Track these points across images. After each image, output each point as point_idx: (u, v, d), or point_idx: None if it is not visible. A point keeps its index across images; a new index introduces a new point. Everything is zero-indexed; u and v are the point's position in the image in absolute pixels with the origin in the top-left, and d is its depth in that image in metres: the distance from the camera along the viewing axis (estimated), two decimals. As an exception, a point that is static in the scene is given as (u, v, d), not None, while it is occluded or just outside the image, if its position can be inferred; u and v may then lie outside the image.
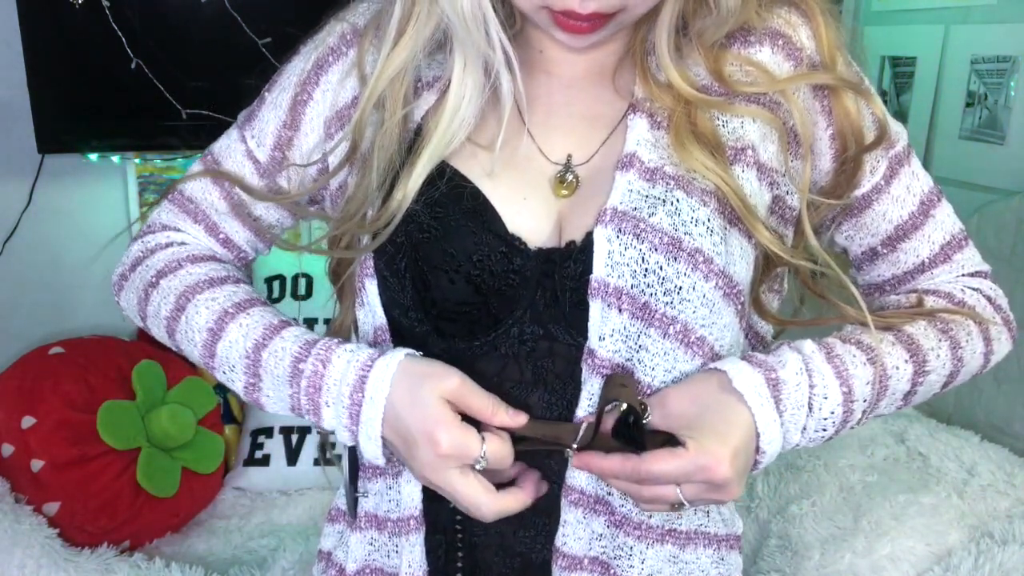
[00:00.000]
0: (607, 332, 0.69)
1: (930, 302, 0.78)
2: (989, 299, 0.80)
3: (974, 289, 0.80)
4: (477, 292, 0.71)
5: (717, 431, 0.65)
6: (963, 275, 0.82)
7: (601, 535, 0.73)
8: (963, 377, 0.79)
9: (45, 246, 1.94)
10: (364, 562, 0.80)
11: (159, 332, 0.82)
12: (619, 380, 0.68)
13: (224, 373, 0.77)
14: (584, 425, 0.68)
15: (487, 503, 0.68)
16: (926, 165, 0.81)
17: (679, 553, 0.75)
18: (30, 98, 1.69)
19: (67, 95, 1.74)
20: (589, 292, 0.69)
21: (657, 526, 0.74)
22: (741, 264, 0.71)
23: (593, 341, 0.69)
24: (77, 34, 1.69)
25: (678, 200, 0.69)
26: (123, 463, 1.56)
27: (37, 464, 1.49)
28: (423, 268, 0.72)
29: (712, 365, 0.69)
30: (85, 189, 1.94)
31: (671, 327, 0.68)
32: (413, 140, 0.75)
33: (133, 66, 1.72)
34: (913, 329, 0.75)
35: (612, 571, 0.73)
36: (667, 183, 0.70)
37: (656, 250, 0.68)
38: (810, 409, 0.69)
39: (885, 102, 0.80)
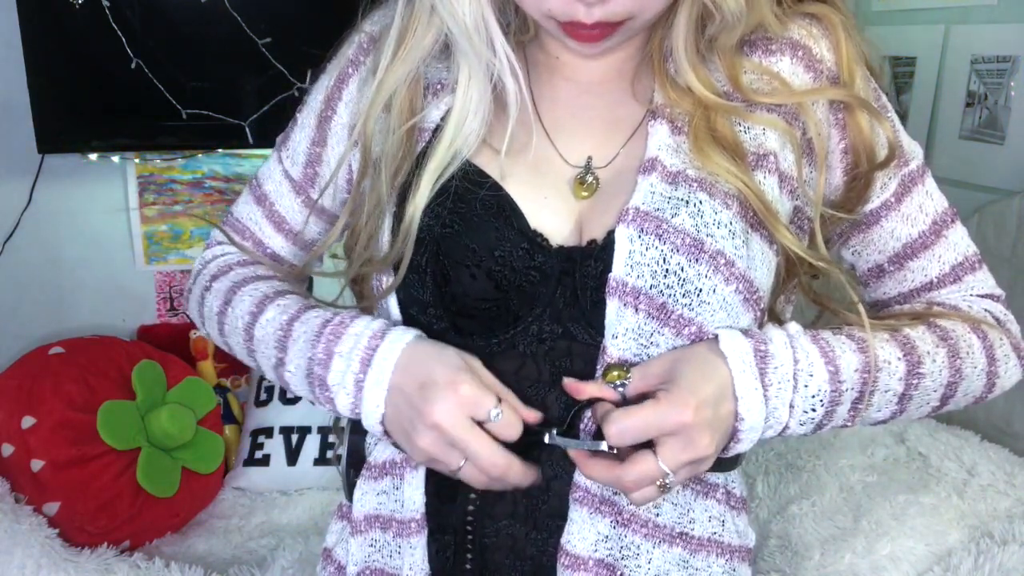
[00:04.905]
0: (621, 331, 0.69)
1: (937, 311, 0.77)
2: (998, 320, 0.79)
3: (984, 309, 0.79)
4: (497, 288, 0.71)
5: (687, 381, 0.65)
6: (972, 295, 0.81)
7: (607, 537, 0.73)
8: (963, 394, 0.77)
9: (45, 246, 1.94)
10: (364, 564, 0.80)
11: (214, 332, 0.85)
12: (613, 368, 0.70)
13: (260, 352, 0.79)
14: (555, 431, 0.69)
15: (500, 459, 0.67)
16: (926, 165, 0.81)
17: (689, 558, 0.75)
18: (30, 98, 1.69)
19: (67, 95, 1.74)
20: (607, 290, 0.69)
21: (666, 526, 0.74)
22: (762, 269, 0.71)
23: (608, 339, 0.69)
24: (77, 34, 1.69)
25: (701, 202, 0.69)
26: (123, 463, 1.56)
27: (37, 464, 1.49)
28: (444, 263, 0.72)
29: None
30: (85, 189, 1.94)
31: (686, 328, 0.68)
32: (429, 142, 0.75)
33: (133, 66, 1.72)
34: (911, 331, 0.74)
35: (619, 572, 0.73)
36: (690, 185, 0.70)
37: (678, 251, 0.68)
38: (795, 385, 0.67)
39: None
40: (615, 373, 0.68)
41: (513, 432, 0.68)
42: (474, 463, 0.68)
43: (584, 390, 0.69)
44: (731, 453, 0.69)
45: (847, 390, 0.69)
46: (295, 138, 0.86)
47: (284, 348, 0.76)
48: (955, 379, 0.75)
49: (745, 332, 0.69)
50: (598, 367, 0.70)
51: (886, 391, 0.72)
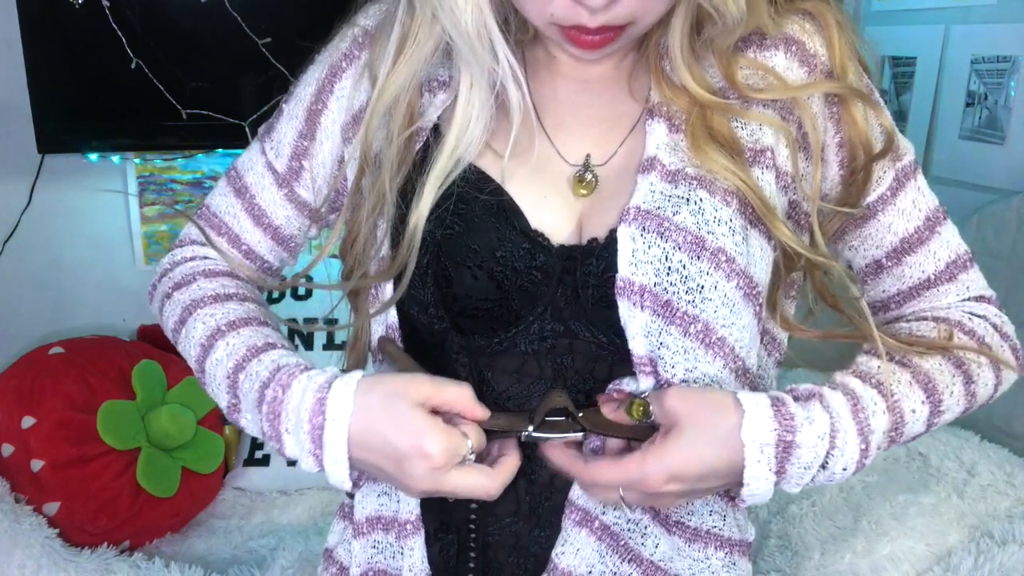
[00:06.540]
0: (637, 331, 0.69)
1: (957, 338, 0.75)
2: (995, 327, 0.79)
3: (980, 316, 0.79)
4: (499, 288, 0.71)
5: (676, 450, 0.65)
6: (968, 298, 0.81)
7: (615, 509, 0.74)
8: (972, 410, 0.77)
9: (45, 246, 1.94)
10: (367, 565, 0.80)
11: (172, 340, 0.83)
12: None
13: (213, 390, 0.76)
14: (537, 417, 0.70)
15: (490, 483, 0.68)
16: (926, 165, 0.81)
17: (684, 547, 0.75)
18: (30, 98, 1.69)
19: (67, 95, 1.74)
20: (616, 291, 0.69)
21: (661, 511, 0.74)
22: (761, 265, 0.71)
23: (630, 341, 0.69)
24: (77, 34, 1.69)
25: (701, 200, 0.69)
26: (123, 463, 1.56)
27: (37, 464, 1.49)
28: (446, 264, 0.72)
29: (738, 395, 0.67)
30: (85, 189, 1.94)
31: (692, 325, 0.68)
32: (428, 142, 0.75)
33: (133, 66, 1.72)
34: (929, 365, 0.73)
35: (623, 542, 0.74)
36: (689, 183, 0.70)
37: (680, 248, 0.68)
38: (823, 467, 0.67)
39: (885, 101, 0.80)
40: (640, 410, 0.68)
41: (481, 446, 0.69)
42: (468, 498, 0.69)
43: (618, 418, 0.70)
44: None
45: (869, 459, 0.69)
46: (281, 129, 0.84)
47: (236, 395, 0.74)
48: (970, 403, 0.75)
49: (779, 410, 0.66)
50: (636, 372, 0.70)
51: (906, 437, 0.72)
